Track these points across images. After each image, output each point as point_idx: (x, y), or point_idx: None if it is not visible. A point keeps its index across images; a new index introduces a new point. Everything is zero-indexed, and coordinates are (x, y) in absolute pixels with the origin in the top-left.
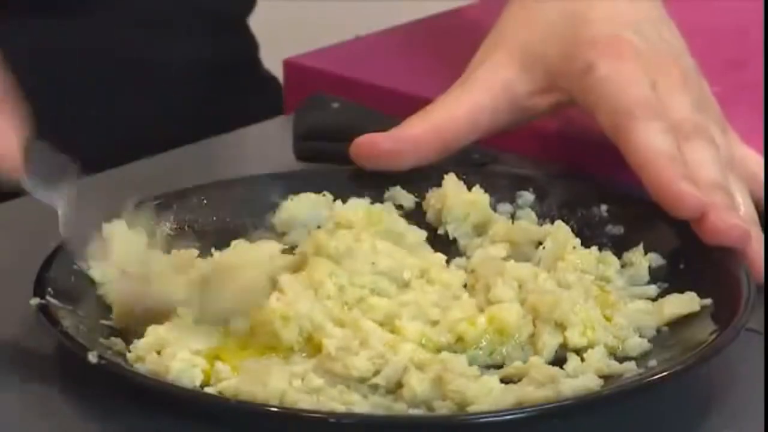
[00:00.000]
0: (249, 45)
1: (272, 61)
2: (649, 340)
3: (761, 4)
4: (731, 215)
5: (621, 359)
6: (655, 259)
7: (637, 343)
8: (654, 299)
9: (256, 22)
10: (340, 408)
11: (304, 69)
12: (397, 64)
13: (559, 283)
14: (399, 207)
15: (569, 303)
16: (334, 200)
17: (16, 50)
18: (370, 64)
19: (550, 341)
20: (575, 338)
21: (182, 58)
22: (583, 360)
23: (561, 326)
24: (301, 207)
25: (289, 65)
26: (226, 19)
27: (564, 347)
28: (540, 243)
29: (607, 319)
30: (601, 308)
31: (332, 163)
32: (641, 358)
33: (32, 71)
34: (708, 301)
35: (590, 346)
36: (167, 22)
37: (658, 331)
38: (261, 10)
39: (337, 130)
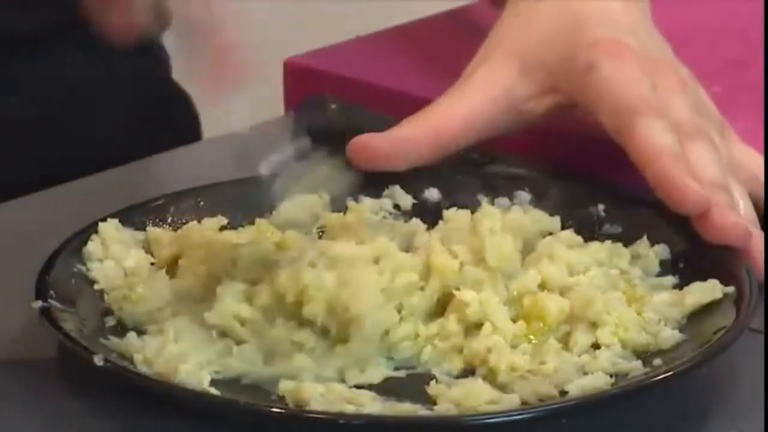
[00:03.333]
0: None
1: (272, 61)
2: (680, 331)
3: (761, 4)
4: (733, 214)
5: (654, 354)
6: (663, 250)
7: (669, 335)
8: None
9: (256, 22)
10: (349, 409)
11: (304, 69)
12: (397, 64)
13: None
14: (396, 207)
15: (603, 303)
16: (331, 201)
17: None
18: (370, 64)
19: (582, 339)
20: (606, 338)
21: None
22: (595, 357)
23: (594, 325)
24: (298, 208)
25: (289, 65)
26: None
27: (595, 346)
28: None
29: (638, 314)
30: (629, 302)
31: (332, 163)
32: (672, 351)
33: None
34: (731, 288)
35: (623, 346)
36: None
37: (683, 320)
38: (261, 10)
39: (336, 130)
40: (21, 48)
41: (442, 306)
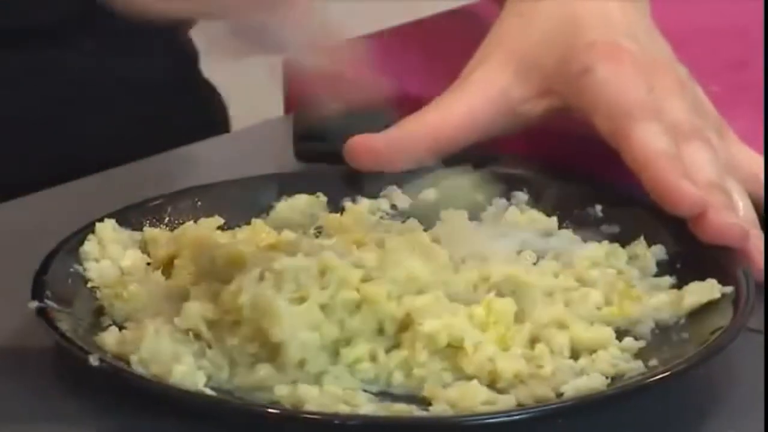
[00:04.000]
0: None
1: (272, 61)
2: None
3: (761, 4)
4: (729, 215)
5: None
6: (660, 251)
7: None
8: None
9: None
10: (345, 409)
11: (304, 69)
12: (397, 64)
13: (581, 279)
14: (394, 207)
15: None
16: (329, 201)
17: None
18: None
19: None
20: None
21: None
22: (593, 360)
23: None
24: (295, 208)
25: (289, 65)
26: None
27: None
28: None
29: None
30: (619, 300)
31: (332, 164)
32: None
33: None
34: (729, 288)
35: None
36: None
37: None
38: None
39: (336, 130)
40: (36, 41)
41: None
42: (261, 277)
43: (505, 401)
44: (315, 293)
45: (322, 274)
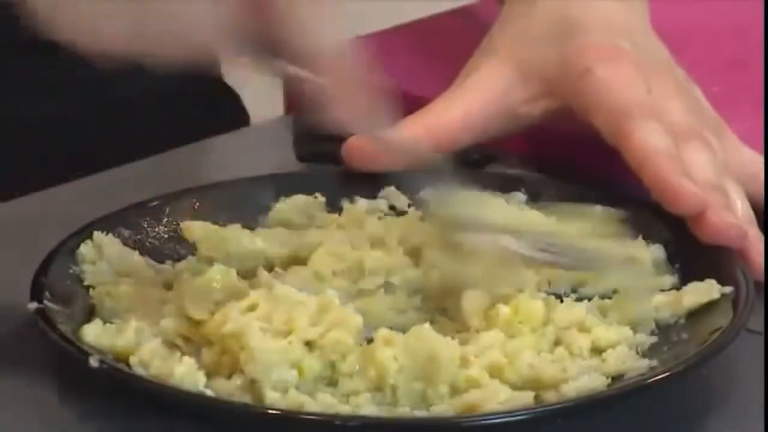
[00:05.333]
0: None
1: None
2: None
3: (761, 4)
4: (728, 214)
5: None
6: (659, 250)
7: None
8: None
9: None
10: (345, 410)
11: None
12: (397, 64)
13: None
14: (392, 207)
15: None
16: (327, 202)
17: None
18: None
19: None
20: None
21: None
22: (603, 360)
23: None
24: (293, 209)
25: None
26: None
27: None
28: None
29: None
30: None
31: (333, 164)
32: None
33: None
34: (728, 288)
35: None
36: None
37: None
38: None
39: (336, 131)
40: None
41: None
42: (252, 308)
43: (523, 399)
44: (302, 328)
45: (321, 311)
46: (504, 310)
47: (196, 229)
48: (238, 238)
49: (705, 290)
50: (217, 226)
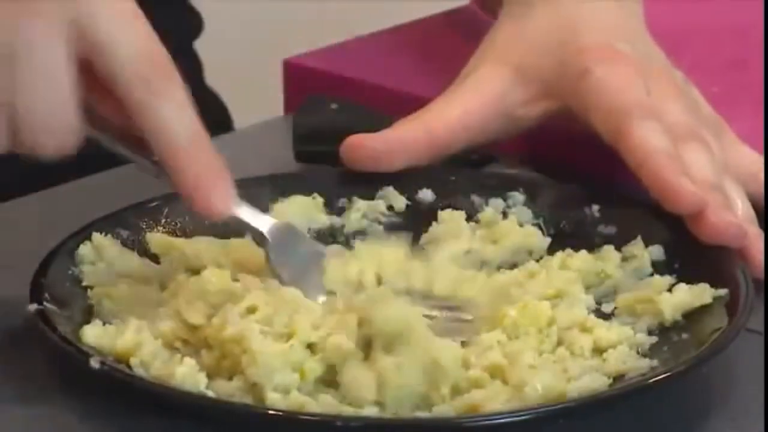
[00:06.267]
0: (195, 67)
1: (272, 61)
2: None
3: (761, 4)
4: (728, 214)
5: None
6: (658, 251)
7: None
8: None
9: (256, 22)
10: (347, 411)
11: (304, 69)
12: (397, 64)
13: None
14: (390, 208)
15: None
16: (325, 202)
17: None
18: (370, 64)
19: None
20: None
21: None
22: (604, 360)
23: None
24: (291, 209)
25: (289, 65)
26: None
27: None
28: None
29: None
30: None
31: (332, 165)
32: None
33: None
34: (722, 291)
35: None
36: None
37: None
38: (261, 10)
39: (336, 131)
40: None
41: None
42: (252, 310)
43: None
44: (303, 331)
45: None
46: (511, 312)
47: (156, 241)
48: (197, 251)
49: (698, 294)
50: (180, 239)
